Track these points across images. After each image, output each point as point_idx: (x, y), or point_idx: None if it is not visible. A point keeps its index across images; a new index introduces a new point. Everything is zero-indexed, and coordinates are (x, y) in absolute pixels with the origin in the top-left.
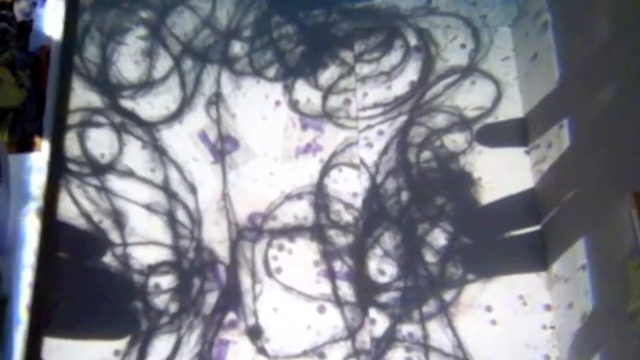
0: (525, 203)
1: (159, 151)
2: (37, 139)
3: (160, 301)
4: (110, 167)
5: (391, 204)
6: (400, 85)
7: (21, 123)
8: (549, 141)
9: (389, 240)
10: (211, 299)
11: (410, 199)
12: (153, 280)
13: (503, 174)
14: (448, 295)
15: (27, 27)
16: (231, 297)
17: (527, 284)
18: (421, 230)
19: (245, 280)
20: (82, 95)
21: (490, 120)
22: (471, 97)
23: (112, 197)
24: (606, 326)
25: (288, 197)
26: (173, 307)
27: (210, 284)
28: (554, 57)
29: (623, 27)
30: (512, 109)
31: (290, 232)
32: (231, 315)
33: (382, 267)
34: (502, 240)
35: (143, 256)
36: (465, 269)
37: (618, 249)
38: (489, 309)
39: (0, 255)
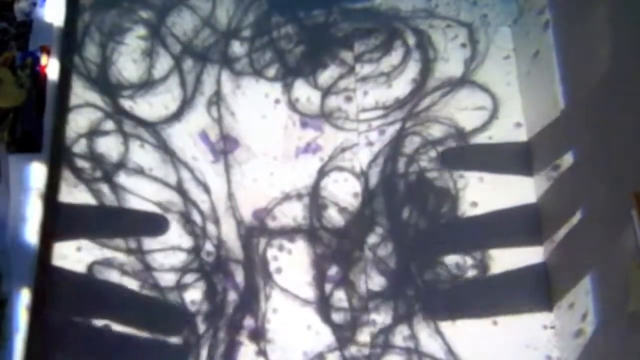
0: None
1: (163, 149)
2: (37, 139)
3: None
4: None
5: (384, 211)
6: (400, 86)
7: (21, 123)
8: None
9: (382, 247)
10: (229, 299)
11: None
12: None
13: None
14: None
15: (27, 27)
16: (244, 298)
17: None
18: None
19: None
20: (82, 95)
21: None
22: (469, 101)
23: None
24: (606, 326)
25: (287, 197)
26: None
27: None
28: (554, 56)
29: (625, 25)
30: (514, 107)
31: (289, 233)
32: (244, 316)
33: (373, 274)
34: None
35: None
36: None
37: (618, 249)
38: None
39: (1, 255)
